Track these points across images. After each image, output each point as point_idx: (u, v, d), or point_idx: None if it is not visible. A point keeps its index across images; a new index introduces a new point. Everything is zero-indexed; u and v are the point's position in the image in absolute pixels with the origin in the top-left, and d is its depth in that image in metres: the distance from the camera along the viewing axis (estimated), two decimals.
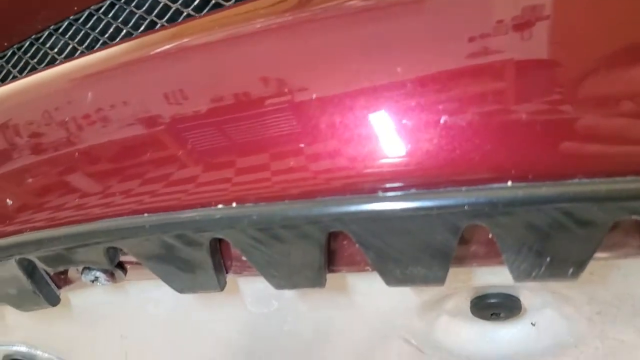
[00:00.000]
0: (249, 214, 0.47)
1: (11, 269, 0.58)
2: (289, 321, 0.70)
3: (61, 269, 0.57)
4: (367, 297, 0.64)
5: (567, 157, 0.41)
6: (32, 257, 0.56)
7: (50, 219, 0.54)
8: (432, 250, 0.45)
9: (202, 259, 0.52)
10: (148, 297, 0.69)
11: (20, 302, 0.63)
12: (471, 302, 0.65)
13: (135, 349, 0.83)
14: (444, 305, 0.67)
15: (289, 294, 0.65)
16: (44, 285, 0.62)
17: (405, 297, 0.63)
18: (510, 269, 0.46)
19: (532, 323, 0.69)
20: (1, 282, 0.60)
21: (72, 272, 0.63)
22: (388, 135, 0.44)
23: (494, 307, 0.64)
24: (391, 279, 0.49)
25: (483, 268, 0.57)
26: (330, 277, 0.61)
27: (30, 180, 0.55)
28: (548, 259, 0.44)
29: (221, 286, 0.56)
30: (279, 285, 0.53)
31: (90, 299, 0.71)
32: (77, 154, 0.54)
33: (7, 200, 0.56)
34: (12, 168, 0.56)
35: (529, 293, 0.64)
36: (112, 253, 0.55)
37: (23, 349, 0.91)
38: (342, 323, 0.70)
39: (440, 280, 0.48)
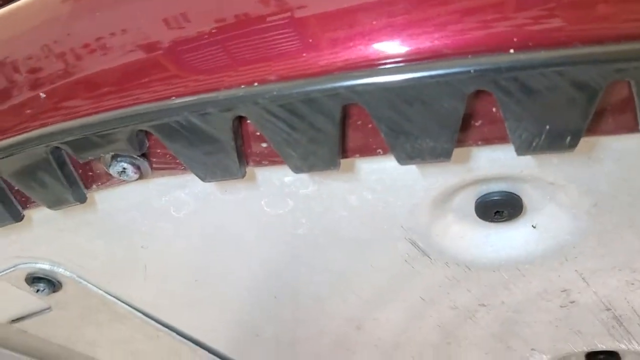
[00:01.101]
0: (270, 89, 0.50)
1: (43, 160, 0.62)
2: (302, 224, 0.74)
3: (90, 157, 0.61)
4: (377, 194, 0.68)
5: (563, 27, 0.45)
6: (62, 145, 0.60)
7: (79, 107, 0.58)
8: (441, 118, 0.48)
9: (225, 141, 0.55)
10: (171, 198, 0.73)
11: (50, 198, 0.67)
12: (476, 201, 0.69)
13: (155, 259, 0.88)
14: (450, 204, 0.71)
15: (303, 191, 0.69)
16: (73, 181, 0.66)
17: (414, 193, 0.67)
18: (512, 138, 0.50)
19: (532, 225, 0.73)
20: (34, 175, 0.64)
21: (100, 168, 0.66)
22: (401, 9, 0.47)
23: (498, 205, 0.68)
24: (402, 155, 0.53)
25: (487, 151, 0.60)
26: (342, 172, 0.65)
27: (60, 72, 0.59)
28: (547, 127, 0.48)
29: (242, 173, 0.59)
30: (296, 168, 0.57)
31: (116, 203, 0.75)
32: (106, 44, 0.57)
33: (40, 93, 0.60)
34: (42, 62, 0.60)
35: (529, 189, 0.67)
36: (141, 138, 0.59)
37: (46, 266, 0.95)
38: (352, 225, 0.73)
39: (447, 154, 0.52)
